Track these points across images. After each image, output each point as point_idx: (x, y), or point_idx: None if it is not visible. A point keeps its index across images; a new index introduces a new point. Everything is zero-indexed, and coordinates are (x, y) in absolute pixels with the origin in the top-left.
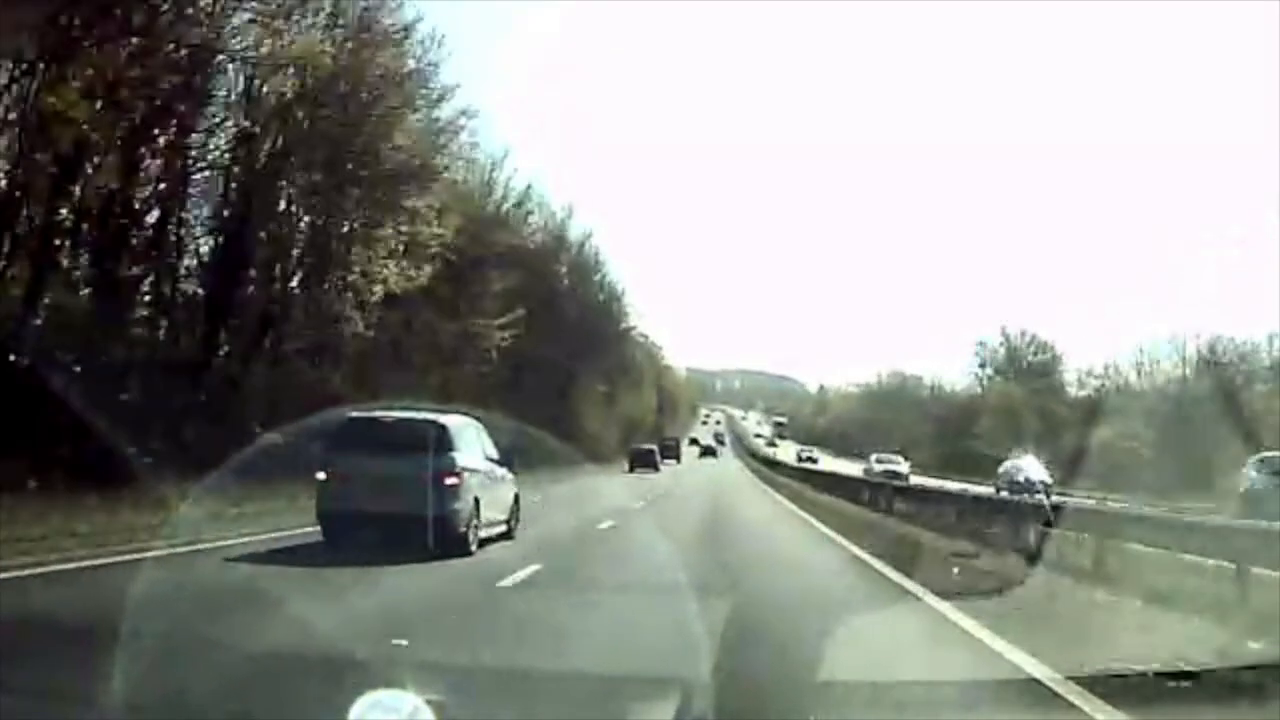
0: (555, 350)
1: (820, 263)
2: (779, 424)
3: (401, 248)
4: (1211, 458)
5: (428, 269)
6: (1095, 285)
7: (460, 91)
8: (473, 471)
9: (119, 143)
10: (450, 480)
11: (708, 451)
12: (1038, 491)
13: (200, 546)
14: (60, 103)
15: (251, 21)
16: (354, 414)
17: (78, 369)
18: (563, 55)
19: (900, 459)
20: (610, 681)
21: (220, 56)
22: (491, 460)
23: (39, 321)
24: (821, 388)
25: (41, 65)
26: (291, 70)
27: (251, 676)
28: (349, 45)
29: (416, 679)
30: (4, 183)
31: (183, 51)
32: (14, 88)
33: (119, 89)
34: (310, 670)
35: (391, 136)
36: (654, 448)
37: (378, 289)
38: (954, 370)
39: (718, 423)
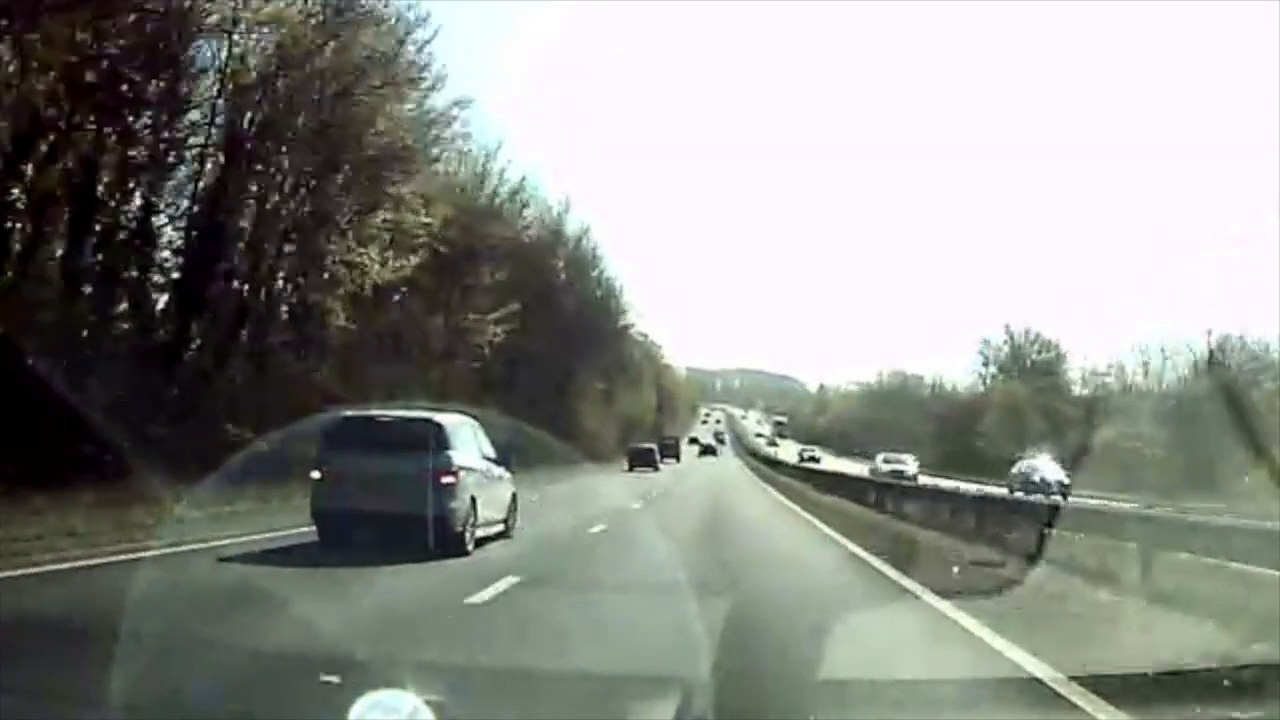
0: (552, 346)
1: (820, 262)
2: (779, 423)
3: (387, 237)
4: (1217, 457)
5: (414, 259)
6: (1095, 285)
7: (458, 86)
8: (470, 470)
9: (81, 122)
10: (447, 479)
11: (707, 450)
12: (1054, 493)
13: (179, 549)
14: (15, 77)
15: None
16: (349, 413)
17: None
18: (563, 55)
19: (908, 458)
20: (610, 681)
21: (191, 27)
22: (489, 459)
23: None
24: (821, 387)
25: None
26: (269, 49)
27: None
28: (325, 16)
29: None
30: None
31: (148, 25)
32: None
33: (81, 64)
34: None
35: (375, 120)
36: (653, 447)
37: (362, 280)
38: (955, 369)
39: (717, 422)
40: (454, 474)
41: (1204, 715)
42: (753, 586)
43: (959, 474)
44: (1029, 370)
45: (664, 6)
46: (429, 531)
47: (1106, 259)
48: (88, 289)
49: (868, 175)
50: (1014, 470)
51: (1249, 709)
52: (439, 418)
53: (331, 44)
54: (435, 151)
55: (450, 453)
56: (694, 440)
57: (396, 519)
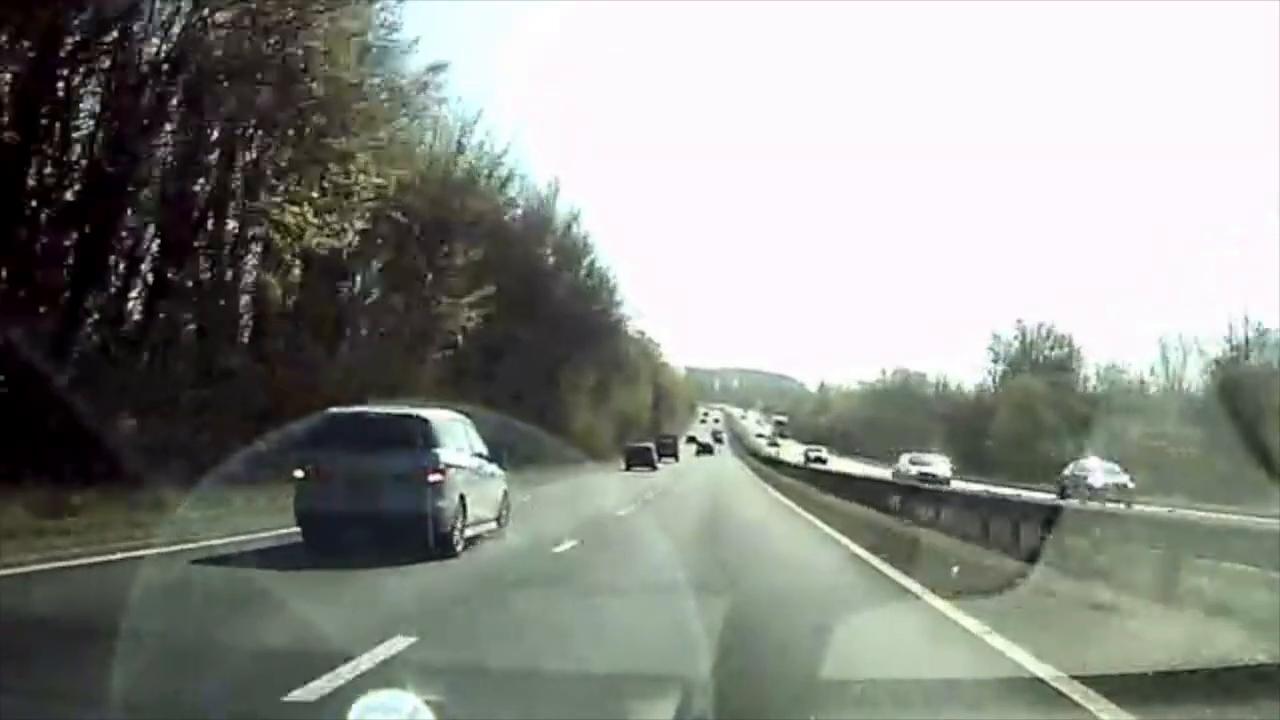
0: (539, 335)
1: (818, 262)
2: (779, 423)
3: (329, 198)
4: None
5: (359, 223)
6: (1095, 285)
7: (458, 86)
8: (458, 468)
9: None
10: (434, 477)
11: (704, 449)
12: (1111, 498)
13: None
14: None
15: None
16: (334, 410)
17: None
18: (563, 55)
19: (939, 459)
20: (610, 680)
21: None
22: (480, 456)
23: None
24: (822, 386)
25: None
26: None
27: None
28: None
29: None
30: None
31: None
32: None
33: None
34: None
35: (320, 59)
36: (651, 445)
37: (294, 244)
38: (957, 368)
39: (716, 421)
40: (441, 472)
41: (1203, 715)
42: (752, 585)
43: (981, 476)
44: (1040, 366)
45: (664, 6)
46: (421, 532)
47: (1109, 257)
48: None
49: (867, 174)
50: (1065, 473)
51: (1250, 709)
52: (426, 413)
53: None
54: (405, 119)
55: (438, 450)
56: (692, 439)
57: (383, 519)
